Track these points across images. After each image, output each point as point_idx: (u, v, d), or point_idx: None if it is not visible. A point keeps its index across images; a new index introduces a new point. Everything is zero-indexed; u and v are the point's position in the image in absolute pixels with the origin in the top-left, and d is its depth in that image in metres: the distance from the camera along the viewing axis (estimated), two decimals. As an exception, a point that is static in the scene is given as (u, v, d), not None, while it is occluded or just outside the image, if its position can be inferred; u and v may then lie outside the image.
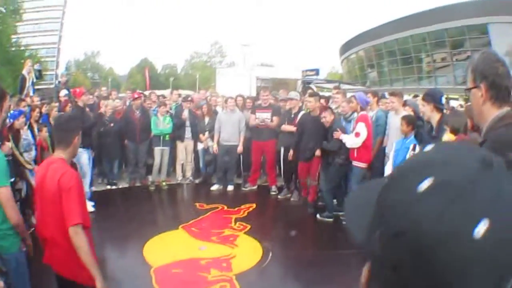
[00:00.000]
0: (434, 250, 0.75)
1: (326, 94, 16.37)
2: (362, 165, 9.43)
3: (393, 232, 0.81)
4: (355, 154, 9.43)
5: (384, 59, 59.57)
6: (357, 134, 9.22)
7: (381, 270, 0.87)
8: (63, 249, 4.26)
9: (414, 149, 7.89)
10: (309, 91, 13.78)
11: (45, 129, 10.07)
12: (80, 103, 11.45)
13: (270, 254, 8.25)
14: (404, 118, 8.47)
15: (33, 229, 8.69)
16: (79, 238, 4.13)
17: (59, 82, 19.79)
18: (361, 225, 0.95)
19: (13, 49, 52.03)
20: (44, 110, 11.18)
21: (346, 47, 69.04)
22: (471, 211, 0.76)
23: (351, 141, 9.32)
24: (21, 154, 8.76)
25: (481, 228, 0.74)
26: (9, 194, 4.48)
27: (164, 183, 13.47)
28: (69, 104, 11.70)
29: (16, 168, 7.95)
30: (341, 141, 9.67)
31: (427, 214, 0.77)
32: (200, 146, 13.85)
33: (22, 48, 56.38)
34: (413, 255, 0.78)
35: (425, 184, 0.79)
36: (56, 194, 4.17)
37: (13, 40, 54.01)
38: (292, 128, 11.47)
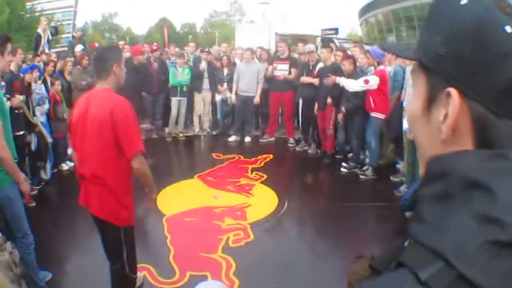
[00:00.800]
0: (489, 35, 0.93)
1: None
2: (380, 116, 9.19)
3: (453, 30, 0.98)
4: (373, 105, 9.19)
5: (402, 24, 59.34)
6: (366, 81, 9.02)
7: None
8: (103, 187, 4.24)
9: None
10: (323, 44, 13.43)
11: (57, 83, 10.00)
12: None
13: (286, 204, 8.12)
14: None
15: (43, 183, 8.67)
16: (143, 165, 4.25)
17: (73, 36, 19.72)
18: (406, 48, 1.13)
19: (28, 15, 52.24)
20: (58, 65, 11.04)
21: (365, 10, 68.69)
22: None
23: (353, 84, 9.15)
24: (32, 107, 8.68)
25: (509, 29, 0.92)
26: None
27: (181, 135, 13.38)
28: (85, 58, 11.40)
29: (25, 121, 7.86)
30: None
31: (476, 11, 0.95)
32: (218, 97, 13.76)
33: (37, 14, 55.25)
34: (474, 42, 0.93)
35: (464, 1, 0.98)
36: (106, 125, 4.08)
37: (28, 6, 54.27)
38: (311, 80, 11.17)
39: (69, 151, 9.09)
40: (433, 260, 0.83)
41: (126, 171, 4.29)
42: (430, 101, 1.03)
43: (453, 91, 0.96)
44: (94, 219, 4.45)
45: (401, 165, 9.56)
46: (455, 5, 0.99)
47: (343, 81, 9.28)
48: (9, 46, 4.72)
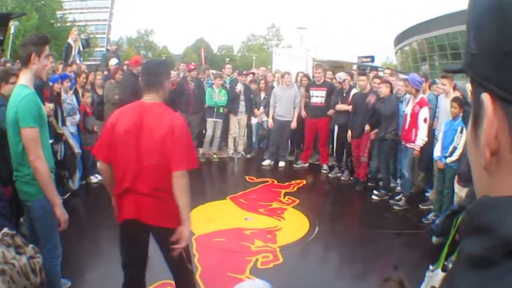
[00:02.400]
0: None
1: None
2: (417, 147, 9.08)
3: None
4: (413, 137, 9.10)
5: (435, 53, 59.10)
6: (425, 120, 8.93)
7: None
8: (165, 199, 4.23)
9: (461, 131, 7.83)
10: (358, 71, 13.47)
11: (88, 95, 10.19)
12: (135, 71, 11.32)
13: (317, 229, 8.16)
14: (456, 99, 8.22)
15: (69, 194, 8.78)
16: (184, 181, 4.19)
17: (107, 50, 19.79)
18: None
19: (58, 25, 52.90)
20: (90, 77, 11.07)
21: (400, 38, 68.65)
22: None
23: (423, 132, 8.98)
24: (62, 117, 8.88)
25: None
26: (32, 135, 4.25)
27: (215, 156, 13.44)
28: (119, 72, 11.67)
29: (54, 130, 7.87)
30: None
31: None
32: (254, 121, 13.77)
33: (69, 24, 56.28)
34: None
35: None
36: (167, 140, 4.10)
37: (58, 16, 54.88)
38: (346, 107, 11.26)
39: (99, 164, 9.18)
40: None
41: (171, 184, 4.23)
42: (475, 120, 0.84)
43: (485, 97, 0.78)
44: (144, 231, 4.42)
45: (430, 194, 9.56)
46: None
47: (419, 136, 9.09)
48: (47, 49, 4.55)
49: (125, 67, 12.37)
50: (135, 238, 4.48)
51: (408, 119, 9.17)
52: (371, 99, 10.01)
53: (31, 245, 2.06)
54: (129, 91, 10.37)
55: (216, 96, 12.83)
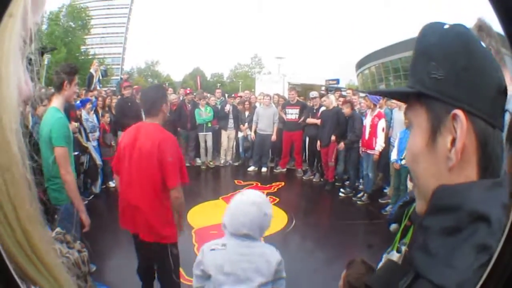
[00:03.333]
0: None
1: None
2: (377, 153, 9.22)
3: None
4: (374, 145, 9.24)
5: (390, 75, 59.38)
6: (383, 129, 9.11)
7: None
8: (149, 213, 4.10)
9: None
10: (323, 92, 13.67)
11: (107, 115, 10.39)
12: (126, 95, 11.71)
13: (294, 222, 8.29)
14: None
15: (93, 196, 8.83)
16: (178, 195, 4.10)
17: (121, 78, 19.97)
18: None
19: (82, 57, 53.20)
20: (107, 101, 11.40)
21: (360, 63, 68.99)
22: None
23: (381, 140, 9.17)
24: (86, 134, 9.03)
25: (482, 43, 0.94)
26: (63, 153, 4.31)
27: (211, 163, 13.64)
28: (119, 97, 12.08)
29: (79, 144, 8.10)
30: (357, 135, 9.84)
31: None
32: (240, 134, 13.90)
33: (90, 57, 56.96)
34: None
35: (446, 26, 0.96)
36: (153, 156, 3.95)
37: (82, 50, 55.28)
38: (316, 121, 11.40)
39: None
40: None
41: (168, 197, 4.13)
42: (434, 132, 0.93)
43: (459, 113, 0.88)
44: (139, 242, 4.33)
45: (387, 190, 9.66)
46: (440, 31, 0.96)
47: (378, 144, 9.25)
48: (76, 78, 4.58)
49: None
50: (137, 243, 4.45)
51: (368, 129, 9.28)
52: (346, 111, 10.16)
53: (78, 241, 2.10)
54: (121, 114, 10.73)
55: (203, 114, 12.98)
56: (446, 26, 0.96)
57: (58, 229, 2.12)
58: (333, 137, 10.52)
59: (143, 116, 4.40)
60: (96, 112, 10.11)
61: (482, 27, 2.72)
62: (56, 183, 4.37)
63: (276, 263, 2.75)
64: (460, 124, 0.88)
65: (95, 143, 9.64)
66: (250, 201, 2.69)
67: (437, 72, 0.92)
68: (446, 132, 0.91)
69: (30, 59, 0.70)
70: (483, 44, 0.93)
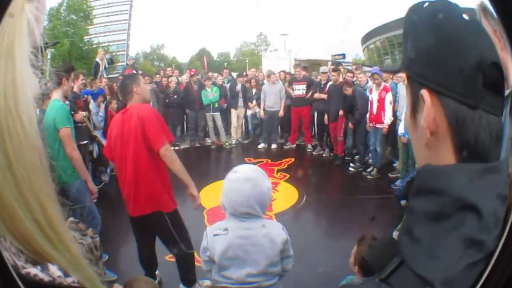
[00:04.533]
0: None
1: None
2: (386, 126, 9.15)
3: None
4: (382, 118, 9.16)
5: (395, 49, 59.23)
6: (391, 102, 9.01)
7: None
8: (143, 182, 4.22)
9: None
10: (333, 67, 13.51)
11: (114, 102, 10.33)
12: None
13: (304, 198, 8.27)
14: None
15: (103, 184, 8.95)
16: (170, 153, 4.20)
17: (127, 64, 20.04)
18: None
19: (86, 47, 53.35)
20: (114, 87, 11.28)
21: (365, 38, 68.73)
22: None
23: (389, 113, 9.08)
24: (93, 123, 9.04)
25: (465, 16, 0.87)
26: (68, 132, 4.78)
27: (227, 143, 13.59)
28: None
29: (88, 133, 8.27)
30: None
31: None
32: (249, 112, 13.93)
33: (95, 46, 57.15)
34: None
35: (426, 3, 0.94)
36: (136, 128, 4.11)
37: (86, 40, 55.47)
38: (323, 96, 11.38)
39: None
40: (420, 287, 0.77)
41: (160, 164, 4.24)
42: (414, 108, 0.93)
43: (424, 92, 0.87)
44: (140, 220, 4.42)
45: (397, 164, 9.58)
46: (419, 9, 0.94)
47: (387, 118, 9.18)
48: (72, 75, 5.20)
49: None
50: (136, 224, 4.57)
51: (376, 104, 9.18)
52: (347, 92, 10.05)
53: (90, 228, 2.15)
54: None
55: (210, 95, 12.89)
56: (425, 4, 0.93)
57: (71, 218, 2.16)
58: (341, 112, 10.46)
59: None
60: (104, 99, 10.11)
61: (486, 8, 2.65)
62: (61, 165, 4.68)
63: (282, 242, 2.62)
64: (425, 104, 0.87)
65: (100, 134, 9.53)
66: (243, 178, 2.56)
67: (411, 53, 0.92)
68: (420, 109, 0.90)
69: (36, 56, 0.78)
70: (465, 17, 0.87)
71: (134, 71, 13.68)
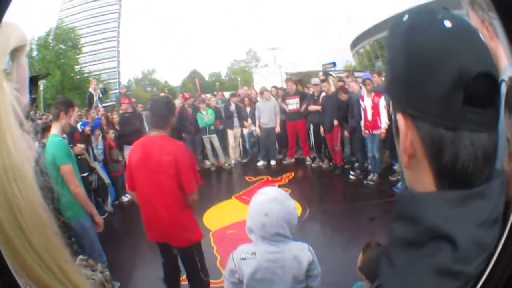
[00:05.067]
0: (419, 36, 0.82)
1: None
2: (384, 130, 9.18)
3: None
4: (379, 124, 9.20)
5: (385, 50, 59.64)
6: (385, 107, 9.03)
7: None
8: (172, 220, 4.24)
9: None
10: (322, 77, 13.62)
11: (111, 131, 10.45)
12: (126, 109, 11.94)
13: (308, 210, 8.33)
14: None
15: (106, 214, 9.02)
16: (197, 196, 4.27)
17: (120, 92, 20.32)
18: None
19: (77, 77, 53.47)
20: (109, 117, 11.53)
21: (354, 43, 68.75)
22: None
23: (385, 117, 9.07)
24: (93, 153, 9.28)
25: (447, 23, 0.79)
26: (69, 169, 4.74)
27: (226, 164, 13.57)
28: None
29: (87, 165, 8.37)
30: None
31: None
32: (245, 131, 13.97)
33: (86, 75, 57.35)
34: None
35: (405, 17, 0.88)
36: (170, 166, 4.08)
37: (76, 69, 55.60)
38: (317, 108, 11.47)
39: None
40: None
41: (185, 200, 4.25)
42: (396, 130, 0.89)
43: (398, 116, 0.85)
44: (167, 250, 4.52)
45: (397, 166, 9.65)
46: (397, 24, 0.89)
47: (383, 123, 9.19)
48: (72, 110, 4.99)
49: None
50: (164, 251, 4.59)
51: (370, 110, 9.25)
52: (343, 97, 10.22)
53: (100, 263, 2.23)
54: (125, 129, 10.80)
55: (205, 117, 12.95)
56: (404, 18, 0.87)
57: (80, 256, 2.26)
58: (335, 122, 10.55)
59: (147, 127, 4.54)
60: (101, 130, 10.18)
61: (475, 0, 2.72)
62: (66, 201, 4.63)
63: (307, 263, 2.65)
64: (400, 128, 0.85)
65: (99, 165, 9.74)
66: (271, 198, 2.59)
67: (388, 74, 0.90)
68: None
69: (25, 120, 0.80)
70: (447, 24, 0.79)
71: (128, 99, 13.78)
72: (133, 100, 14.74)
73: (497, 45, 2.61)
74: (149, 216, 4.36)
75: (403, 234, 0.83)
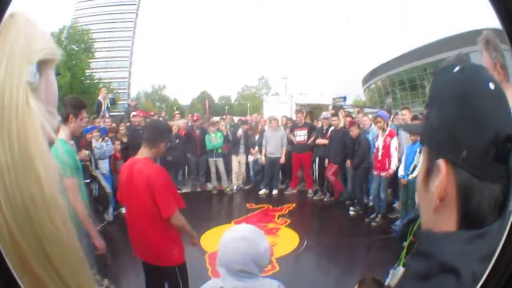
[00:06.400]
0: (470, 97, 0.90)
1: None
2: (391, 172, 9.26)
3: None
4: (387, 165, 9.29)
5: (396, 87, 59.59)
6: (396, 148, 9.13)
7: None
8: (152, 241, 4.27)
9: (420, 152, 7.98)
10: (332, 111, 13.85)
11: (117, 143, 10.77)
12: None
13: (305, 242, 8.48)
14: (415, 128, 8.37)
15: (105, 222, 9.21)
16: (180, 220, 4.22)
17: (129, 105, 20.44)
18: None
19: (87, 81, 53.58)
20: (121, 130, 11.80)
21: (366, 79, 69.13)
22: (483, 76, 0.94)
23: (395, 159, 9.14)
24: (95, 161, 9.45)
25: (492, 85, 0.91)
26: (71, 183, 4.41)
27: (228, 189, 13.68)
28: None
29: (89, 172, 8.34)
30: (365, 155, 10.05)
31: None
32: (250, 158, 14.05)
33: (96, 81, 57.70)
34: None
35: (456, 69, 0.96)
36: (145, 190, 4.09)
37: (87, 74, 55.54)
38: (324, 141, 11.75)
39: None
40: None
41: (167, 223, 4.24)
42: (428, 173, 0.96)
43: (441, 163, 0.91)
44: (148, 267, 4.56)
45: (397, 204, 9.87)
46: (449, 74, 0.97)
47: (394, 166, 9.21)
48: (83, 112, 4.73)
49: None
50: (146, 269, 4.66)
51: (381, 150, 9.33)
52: (353, 133, 10.48)
53: (106, 279, 2.32)
54: (134, 142, 10.78)
55: (213, 140, 13.15)
56: (455, 70, 0.96)
57: None
58: (348, 163, 10.84)
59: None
60: (104, 138, 10.28)
61: (489, 41, 2.89)
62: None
63: None
64: (440, 174, 0.91)
65: (106, 170, 9.98)
66: (240, 237, 2.58)
67: (434, 120, 0.95)
68: (434, 176, 0.94)
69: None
70: (491, 86, 0.91)
71: (143, 111, 14.00)
72: (152, 113, 14.92)
73: (507, 87, 2.82)
74: (132, 233, 4.48)
75: (418, 268, 0.91)
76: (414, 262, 0.95)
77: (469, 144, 0.88)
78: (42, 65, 0.76)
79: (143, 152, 4.36)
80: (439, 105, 0.95)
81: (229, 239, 2.61)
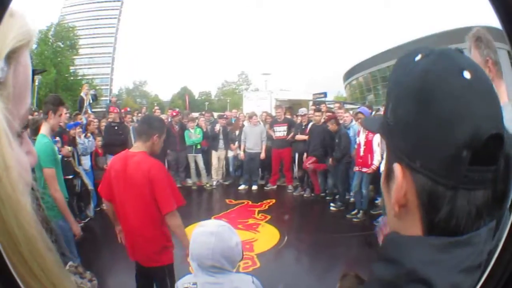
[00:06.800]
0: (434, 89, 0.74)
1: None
2: (374, 167, 9.25)
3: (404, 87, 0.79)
4: (369, 162, 9.28)
5: (379, 84, 59.87)
6: (378, 144, 9.07)
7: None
8: (146, 238, 4.21)
9: None
10: (313, 107, 13.87)
11: (99, 139, 10.76)
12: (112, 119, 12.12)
13: (286, 238, 8.47)
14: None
15: (88, 219, 9.21)
16: (176, 219, 4.18)
17: (109, 101, 20.41)
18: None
19: (71, 78, 53.64)
20: (102, 125, 11.83)
21: (348, 74, 69.54)
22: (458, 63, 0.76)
23: (378, 155, 9.13)
24: (78, 157, 9.49)
25: (467, 74, 0.73)
26: (51, 174, 4.81)
27: (207, 184, 13.71)
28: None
29: (72, 168, 8.44)
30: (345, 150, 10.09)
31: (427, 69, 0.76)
32: (230, 154, 14.05)
33: (79, 77, 58.64)
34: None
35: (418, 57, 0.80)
36: (144, 184, 4.03)
37: (71, 70, 55.83)
38: (304, 137, 11.79)
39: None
40: None
41: (164, 223, 4.19)
42: (388, 175, 0.85)
43: (396, 167, 0.79)
44: (141, 269, 4.51)
45: (379, 201, 9.93)
46: (408, 63, 0.82)
47: (376, 161, 9.22)
48: (62, 109, 5.10)
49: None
50: (137, 268, 4.62)
51: (363, 146, 9.33)
52: (332, 127, 10.52)
53: (88, 271, 2.27)
54: (109, 139, 11.06)
55: (193, 135, 13.15)
56: (417, 58, 0.81)
57: (70, 262, 2.34)
58: (330, 161, 10.76)
59: (133, 139, 4.51)
60: (86, 134, 10.31)
61: (480, 38, 2.82)
62: (47, 201, 4.72)
63: None
64: (396, 179, 0.80)
65: (88, 166, 9.98)
66: (208, 232, 2.55)
67: (390, 117, 0.83)
68: (392, 180, 0.82)
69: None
70: (466, 75, 0.74)
71: (117, 109, 13.92)
72: (128, 109, 14.87)
73: (500, 84, 2.79)
74: (125, 232, 4.42)
75: (382, 275, 0.80)
76: (379, 267, 0.82)
77: (432, 148, 0.74)
78: (12, 53, 0.68)
79: (138, 146, 4.30)
80: (395, 98, 0.82)
81: (197, 234, 2.60)
